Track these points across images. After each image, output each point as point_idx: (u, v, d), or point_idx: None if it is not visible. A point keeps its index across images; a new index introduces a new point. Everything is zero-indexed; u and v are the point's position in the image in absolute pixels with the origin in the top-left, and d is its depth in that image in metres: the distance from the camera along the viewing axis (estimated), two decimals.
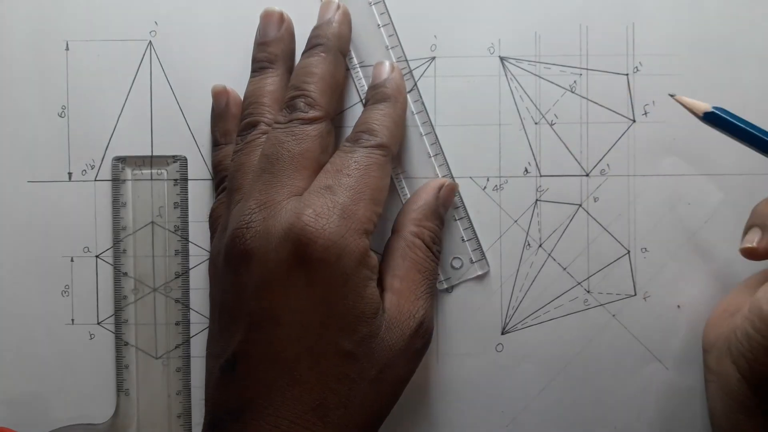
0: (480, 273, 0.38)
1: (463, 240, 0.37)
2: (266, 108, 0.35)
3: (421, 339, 0.33)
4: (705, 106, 0.33)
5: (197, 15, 0.38)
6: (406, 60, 0.37)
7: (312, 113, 0.33)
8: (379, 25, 0.37)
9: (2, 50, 0.38)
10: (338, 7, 0.36)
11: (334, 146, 0.35)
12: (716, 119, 0.32)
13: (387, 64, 0.36)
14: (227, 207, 0.34)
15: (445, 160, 0.37)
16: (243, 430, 0.31)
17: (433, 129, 0.38)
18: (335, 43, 0.35)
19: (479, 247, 0.38)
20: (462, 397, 0.38)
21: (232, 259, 0.32)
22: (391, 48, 0.37)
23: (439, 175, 0.37)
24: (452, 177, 0.37)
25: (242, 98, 0.37)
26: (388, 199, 0.35)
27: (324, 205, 0.31)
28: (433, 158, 0.37)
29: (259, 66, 0.36)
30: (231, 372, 0.31)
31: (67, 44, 0.38)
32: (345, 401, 0.31)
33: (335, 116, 0.36)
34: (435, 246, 0.35)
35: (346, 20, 0.36)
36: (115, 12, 0.38)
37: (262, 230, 0.31)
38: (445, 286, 0.38)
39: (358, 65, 0.37)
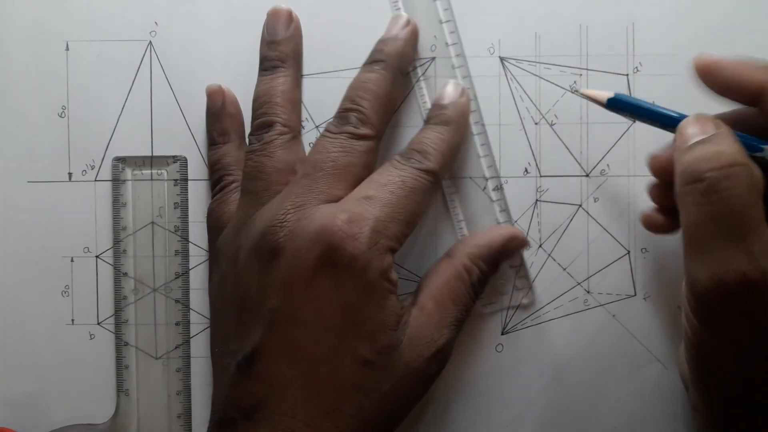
0: (525, 302, 0.37)
1: (510, 267, 0.37)
2: (280, 108, 0.35)
3: (436, 365, 0.33)
4: (607, 93, 0.33)
5: (197, 15, 0.38)
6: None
7: (363, 130, 0.33)
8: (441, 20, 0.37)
9: (2, 50, 0.38)
10: (407, 23, 0.36)
11: (375, 165, 0.34)
12: (618, 104, 0.33)
13: (455, 85, 0.36)
14: (242, 205, 0.34)
15: (494, 162, 0.37)
16: (255, 429, 0.30)
17: (485, 129, 0.37)
18: (396, 62, 0.35)
19: (526, 276, 0.37)
20: (462, 397, 0.38)
21: (261, 255, 0.32)
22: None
23: (486, 175, 0.37)
24: (499, 178, 0.37)
25: (253, 96, 0.36)
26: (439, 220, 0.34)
27: (360, 213, 0.31)
28: (482, 159, 0.37)
29: (270, 65, 0.36)
30: (247, 369, 0.31)
31: (67, 44, 0.38)
32: (359, 410, 0.31)
33: (383, 135, 0.35)
34: (479, 287, 0.35)
35: (413, 39, 0.36)
36: (115, 12, 0.38)
37: (295, 230, 0.31)
38: (489, 310, 0.37)
39: (422, 79, 0.37)
